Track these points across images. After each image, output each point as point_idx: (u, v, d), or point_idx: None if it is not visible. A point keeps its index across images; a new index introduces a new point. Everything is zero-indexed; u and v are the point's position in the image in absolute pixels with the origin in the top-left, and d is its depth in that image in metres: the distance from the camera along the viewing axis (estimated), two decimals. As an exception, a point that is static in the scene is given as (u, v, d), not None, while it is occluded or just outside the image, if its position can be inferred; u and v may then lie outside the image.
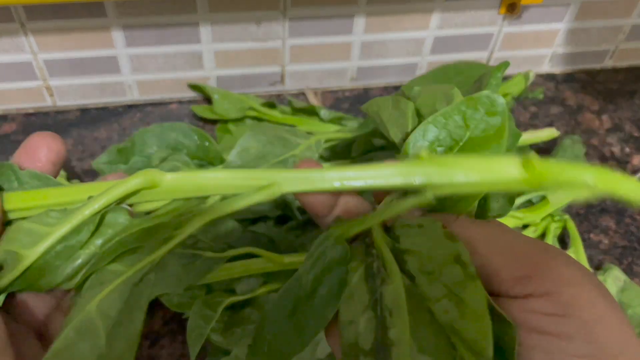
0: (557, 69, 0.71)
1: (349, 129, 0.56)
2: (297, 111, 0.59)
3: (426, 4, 0.59)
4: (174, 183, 0.23)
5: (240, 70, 0.62)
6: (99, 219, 0.22)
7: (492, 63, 0.68)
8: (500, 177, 0.20)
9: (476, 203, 0.23)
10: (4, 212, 0.23)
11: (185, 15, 0.55)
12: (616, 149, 0.62)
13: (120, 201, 0.23)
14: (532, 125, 0.64)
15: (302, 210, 0.49)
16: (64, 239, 0.22)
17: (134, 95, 0.62)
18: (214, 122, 0.60)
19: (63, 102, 0.61)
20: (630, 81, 0.71)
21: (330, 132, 0.55)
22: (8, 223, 0.23)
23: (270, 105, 0.59)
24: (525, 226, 0.50)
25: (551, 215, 0.51)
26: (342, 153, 0.53)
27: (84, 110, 0.61)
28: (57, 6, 0.52)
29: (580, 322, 0.18)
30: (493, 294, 0.20)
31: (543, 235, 0.50)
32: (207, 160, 0.52)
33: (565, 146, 0.56)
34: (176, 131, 0.51)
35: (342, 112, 0.60)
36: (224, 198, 0.25)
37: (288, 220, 0.49)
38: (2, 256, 0.22)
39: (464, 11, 0.61)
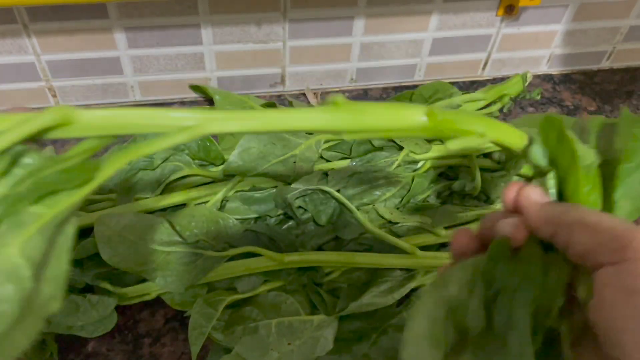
0: (555, 70, 0.72)
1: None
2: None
3: (425, 5, 0.60)
4: (91, 120, 0.21)
5: (241, 71, 0.62)
6: (11, 158, 0.21)
7: (490, 64, 0.68)
8: (407, 124, 0.23)
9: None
10: None
11: (187, 17, 0.55)
12: (613, 150, 0.62)
13: (32, 138, 0.21)
14: (530, 125, 0.64)
15: (302, 210, 0.49)
16: None
17: (135, 96, 0.62)
18: (214, 122, 0.60)
19: (65, 103, 0.61)
20: (628, 82, 0.72)
21: (330, 132, 0.55)
22: None
23: (271, 105, 0.60)
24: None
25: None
26: (342, 153, 0.53)
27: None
28: (59, 8, 0.52)
29: None
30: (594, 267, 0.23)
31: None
32: (208, 160, 0.52)
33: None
34: (178, 132, 0.52)
35: (342, 113, 0.60)
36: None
37: (288, 219, 0.50)
38: None
39: (463, 13, 0.62)
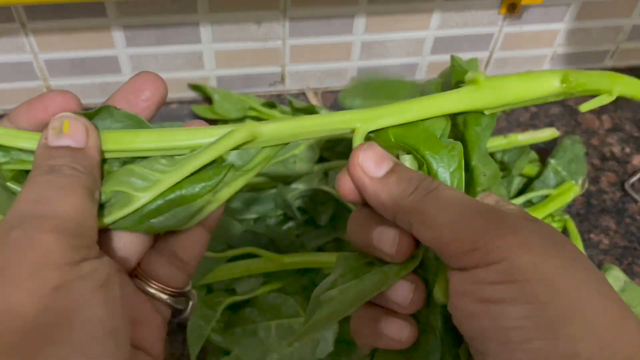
0: (558, 69, 0.71)
1: (349, 129, 0.57)
2: (297, 111, 0.59)
3: (426, 4, 0.59)
4: (272, 133, 0.24)
5: (241, 70, 0.62)
6: (213, 173, 0.24)
7: (493, 63, 0.68)
8: (544, 92, 0.25)
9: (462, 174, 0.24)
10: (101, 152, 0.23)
11: (186, 15, 0.55)
12: (616, 149, 0.62)
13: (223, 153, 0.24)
14: (532, 125, 0.64)
15: (302, 211, 0.49)
16: (177, 186, 0.23)
17: (134, 95, 0.62)
18: (214, 122, 0.60)
19: (63, 102, 0.61)
20: (631, 81, 0.71)
21: (330, 132, 0.55)
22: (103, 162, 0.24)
23: (271, 105, 0.59)
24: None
25: (551, 215, 0.52)
26: (342, 153, 0.53)
27: (85, 110, 0.61)
28: (57, 6, 0.52)
29: (522, 284, 0.18)
30: (450, 268, 0.21)
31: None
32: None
33: (565, 146, 0.56)
34: (176, 131, 0.52)
35: (343, 112, 0.60)
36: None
37: (288, 220, 0.50)
38: (109, 195, 0.23)
39: (464, 11, 0.61)
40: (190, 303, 0.25)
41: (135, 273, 0.24)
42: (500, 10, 0.62)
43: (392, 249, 0.23)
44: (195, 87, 0.62)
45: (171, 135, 0.23)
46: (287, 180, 0.49)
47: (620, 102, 0.68)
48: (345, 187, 0.24)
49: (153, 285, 0.24)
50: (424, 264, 0.24)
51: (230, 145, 0.23)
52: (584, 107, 0.25)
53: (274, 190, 0.49)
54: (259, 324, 0.43)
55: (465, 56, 0.72)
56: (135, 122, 0.24)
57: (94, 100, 0.61)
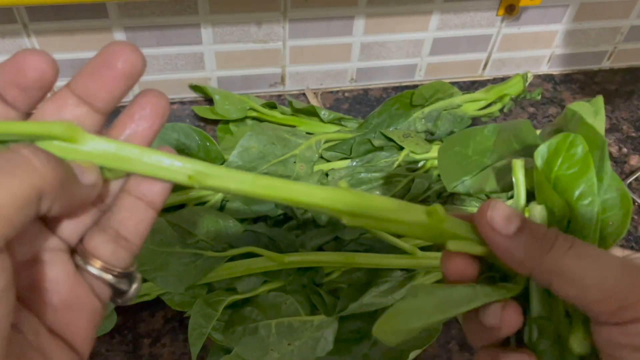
0: (556, 70, 0.72)
1: (349, 129, 0.57)
2: (297, 112, 0.59)
3: (425, 5, 0.60)
4: (94, 145, 0.21)
5: (241, 71, 0.62)
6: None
7: (491, 64, 0.68)
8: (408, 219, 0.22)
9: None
10: None
11: (187, 16, 0.55)
12: (614, 149, 0.62)
13: (31, 139, 0.20)
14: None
15: (302, 210, 0.49)
16: None
17: (135, 96, 0.62)
18: (215, 122, 0.60)
19: (65, 103, 0.61)
20: (628, 82, 0.72)
21: (330, 132, 0.55)
22: None
23: (271, 105, 0.60)
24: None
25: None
26: (342, 153, 0.53)
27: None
28: (59, 7, 0.52)
29: None
30: (592, 320, 0.21)
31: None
32: (208, 160, 0.52)
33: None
34: (178, 131, 0.52)
35: (342, 113, 0.60)
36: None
37: (288, 220, 0.50)
38: None
39: (463, 13, 0.61)
40: (135, 285, 0.24)
41: (77, 251, 0.23)
42: (498, 11, 0.62)
43: (496, 320, 0.23)
44: (196, 87, 0.62)
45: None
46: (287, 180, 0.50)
47: (618, 103, 0.68)
48: (451, 268, 0.24)
49: (95, 265, 0.22)
50: (553, 315, 0.23)
51: (41, 131, 0.20)
52: (452, 245, 0.23)
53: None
54: (259, 322, 0.43)
55: (463, 57, 0.73)
56: None
57: (95, 100, 0.62)
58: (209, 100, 0.62)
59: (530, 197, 0.24)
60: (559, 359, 0.23)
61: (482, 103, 0.60)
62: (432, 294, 0.22)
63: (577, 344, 0.22)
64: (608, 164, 0.22)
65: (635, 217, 0.56)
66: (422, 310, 0.21)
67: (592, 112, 0.24)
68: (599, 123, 0.23)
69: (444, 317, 0.21)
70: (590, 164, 0.22)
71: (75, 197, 0.20)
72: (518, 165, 0.24)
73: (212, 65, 0.61)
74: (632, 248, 0.53)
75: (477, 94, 0.61)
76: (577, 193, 0.22)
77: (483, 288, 0.23)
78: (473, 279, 0.24)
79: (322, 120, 0.58)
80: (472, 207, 0.51)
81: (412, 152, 0.52)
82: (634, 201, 0.57)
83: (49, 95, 0.22)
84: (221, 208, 0.49)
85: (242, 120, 0.59)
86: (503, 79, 0.67)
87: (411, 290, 0.22)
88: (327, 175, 0.51)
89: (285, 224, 0.49)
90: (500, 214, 0.22)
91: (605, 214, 0.22)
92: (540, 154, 0.23)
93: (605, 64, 0.73)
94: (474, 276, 0.24)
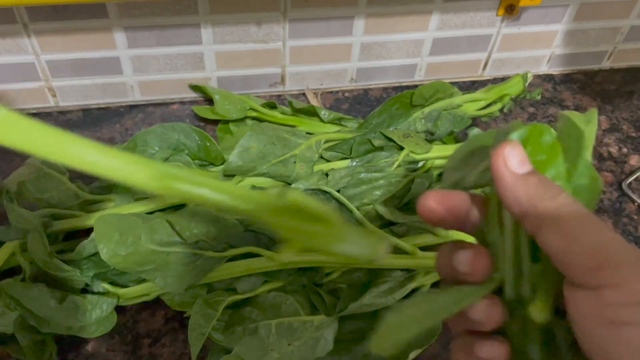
0: (555, 70, 0.72)
1: (349, 129, 0.57)
2: (297, 112, 0.59)
3: (425, 5, 0.60)
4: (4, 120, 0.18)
5: (241, 71, 0.62)
6: None
7: (491, 64, 0.68)
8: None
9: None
10: None
11: (187, 16, 0.55)
12: (614, 149, 0.62)
13: None
14: (531, 125, 0.64)
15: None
16: None
17: (135, 96, 0.62)
18: (215, 122, 0.60)
19: (65, 103, 0.61)
20: (628, 82, 0.72)
21: (330, 132, 0.55)
22: None
23: (271, 105, 0.60)
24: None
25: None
26: (342, 153, 0.53)
27: (86, 111, 0.61)
28: (59, 7, 0.52)
29: None
30: (569, 283, 0.21)
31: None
32: (208, 160, 0.52)
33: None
34: (178, 132, 0.52)
35: (342, 113, 0.60)
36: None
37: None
38: None
39: (463, 12, 0.61)
40: None
41: None
42: (498, 11, 0.62)
43: (467, 267, 0.24)
44: (196, 87, 0.62)
45: None
46: (287, 180, 0.50)
47: (618, 103, 0.68)
48: (426, 207, 0.25)
49: None
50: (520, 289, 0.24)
51: None
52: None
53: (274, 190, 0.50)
54: (259, 322, 0.43)
55: (463, 57, 0.73)
56: None
57: (95, 100, 0.62)
58: (209, 100, 0.62)
59: None
60: (525, 337, 0.24)
61: (482, 103, 0.60)
62: (422, 302, 0.23)
63: (536, 312, 0.23)
64: (586, 153, 0.23)
65: (635, 217, 0.56)
66: (413, 319, 0.22)
67: (585, 121, 0.25)
68: (590, 130, 0.24)
69: (434, 323, 0.22)
70: (558, 151, 0.24)
71: None
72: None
73: (212, 65, 0.61)
74: (632, 248, 0.53)
75: (477, 94, 0.61)
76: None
77: (469, 288, 0.24)
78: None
79: (322, 120, 0.58)
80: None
81: (412, 152, 0.52)
82: (634, 201, 0.57)
83: None
84: (221, 208, 0.49)
85: (242, 120, 0.59)
86: (503, 79, 0.67)
87: (396, 305, 0.23)
88: (327, 175, 0.51)
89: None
90: (516, 154, 0.23)
91: (576, 197, 0.23)
92: None
93: (605, 64, 0.73)
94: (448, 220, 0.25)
